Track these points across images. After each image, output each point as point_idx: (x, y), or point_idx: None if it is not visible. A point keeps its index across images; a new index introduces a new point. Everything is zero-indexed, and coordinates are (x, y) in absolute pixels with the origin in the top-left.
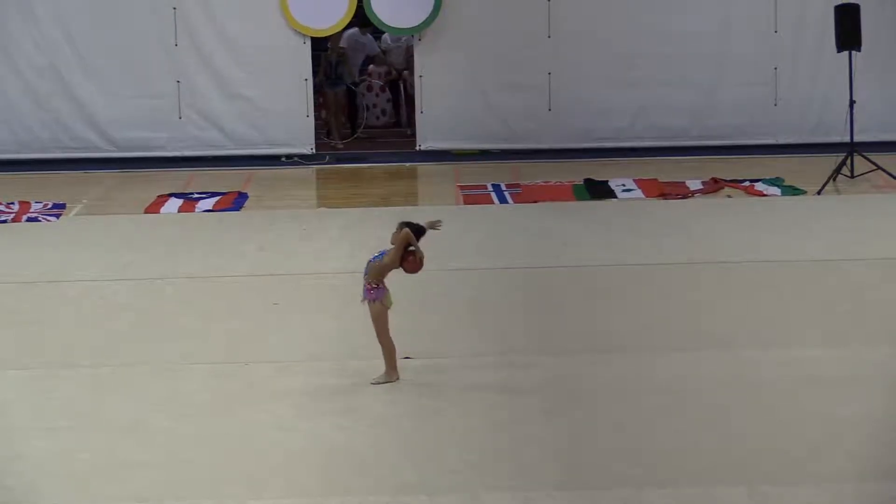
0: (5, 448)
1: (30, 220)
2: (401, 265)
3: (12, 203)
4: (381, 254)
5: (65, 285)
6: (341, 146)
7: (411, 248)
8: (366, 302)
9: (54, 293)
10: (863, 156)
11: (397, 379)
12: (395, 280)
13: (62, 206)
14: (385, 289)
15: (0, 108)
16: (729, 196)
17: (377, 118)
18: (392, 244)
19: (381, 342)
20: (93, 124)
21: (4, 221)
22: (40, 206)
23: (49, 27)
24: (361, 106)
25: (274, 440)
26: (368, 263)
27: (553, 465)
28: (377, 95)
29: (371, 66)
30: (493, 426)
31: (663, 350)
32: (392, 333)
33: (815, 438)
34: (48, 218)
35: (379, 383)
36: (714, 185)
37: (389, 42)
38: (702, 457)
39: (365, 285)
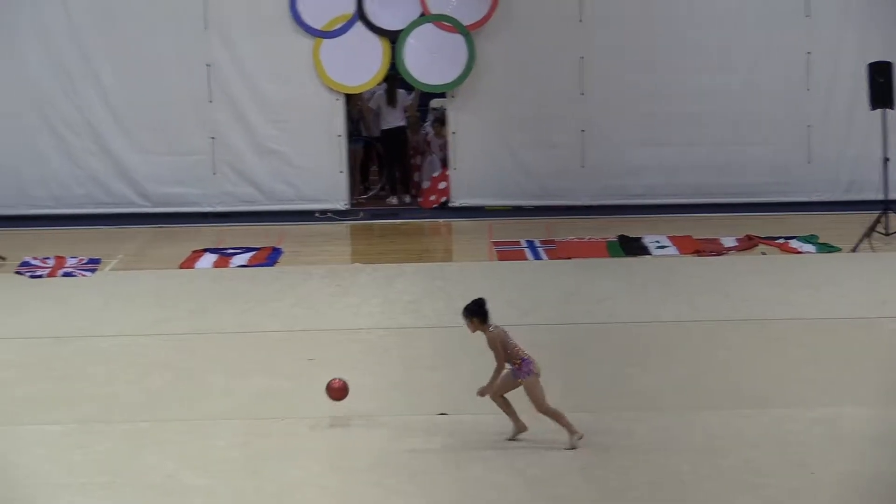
0: None
1: (65, 274)
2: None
3: (48, 258)
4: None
5: (99, 340)
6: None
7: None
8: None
9: (89, 348)
10: None
11: (582, 437)
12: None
13: (97, 262)
14: (529, 361)
15: (36, 164)
16: (763, 253)
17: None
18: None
19: (545, 412)
20: (128, 180)
21: (40, 276)
22: (75, 261)
23: (83, 85)
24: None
25: (307, 497)
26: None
27: None
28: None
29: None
30: (526, 483)
31: (696, 408)
32: (424, 389)
33: (848, 499)
34: (83, 273)
35: (574, 448)
36: (748, 242)
37: None
38: None
39: (513, 367)
